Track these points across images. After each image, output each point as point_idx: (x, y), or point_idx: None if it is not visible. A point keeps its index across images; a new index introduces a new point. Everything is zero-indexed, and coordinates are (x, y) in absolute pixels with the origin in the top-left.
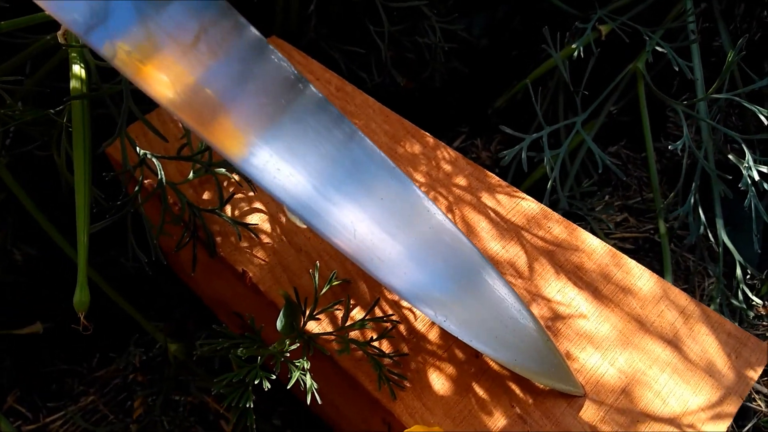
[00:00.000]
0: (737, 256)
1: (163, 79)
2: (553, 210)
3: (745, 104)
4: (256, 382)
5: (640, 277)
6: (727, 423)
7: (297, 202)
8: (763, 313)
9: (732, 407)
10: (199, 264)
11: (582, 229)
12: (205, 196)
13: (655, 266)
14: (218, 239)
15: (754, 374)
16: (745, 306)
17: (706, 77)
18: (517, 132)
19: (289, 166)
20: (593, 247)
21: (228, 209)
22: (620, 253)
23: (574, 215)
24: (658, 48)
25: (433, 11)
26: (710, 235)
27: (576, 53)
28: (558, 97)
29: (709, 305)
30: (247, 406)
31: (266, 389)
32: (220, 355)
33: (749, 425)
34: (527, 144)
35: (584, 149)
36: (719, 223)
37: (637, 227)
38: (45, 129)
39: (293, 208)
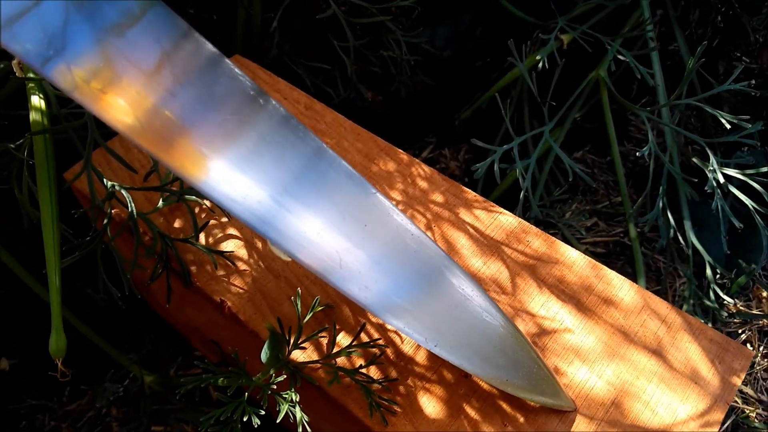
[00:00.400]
0: (707, 257)
1: (124, 107)
2: (526, 219)
3: (708, 109)
4: (244, 419)
5: (621, 288)
6: (715, 429)
7: (257, 217)
8: (734, 311)
9: (719, 414)
10: (173, 294)
11: (561, 242)
12: (177, 224)
13: (627, 269)
14: (193, 268)
15: (738, 380)
16: (717, 306)
17: (665, 80)
18: (485, 141)
19: (249, 180)
20: (573, 259)
21: (201, 237)
22: (599, 264)
23: (545, 223)
24: (618, 55)
25: (399, 26)
26: (679, 236)
27: (541, 64)
28: (523, 106)
29: (681, 306)
30: None
31: (256, 426)
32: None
33: (728, 422)
34: (499, 156)
35: (552, 157)
36: (687, 225)
37: (607, 231)
38: (3, 162)
39: (253, 225)
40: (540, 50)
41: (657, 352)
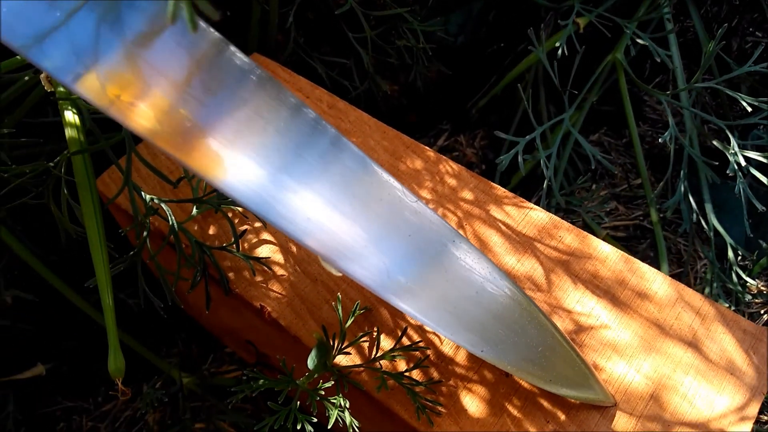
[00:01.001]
0: (728, 240)
1: (152, 117)
2: (548, 207)
3: (728, 92)
4: (298, 427)
5: (654, 281)
6: (751, 423)
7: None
8: (756, 291)
9: (755, 405)
10: (211, 301)
11: (592, 236)
12: (211, 231)
13: (649, 253)
14: (231, 275)
15: None
16: (740, 289)
17: (680, 56)
18: (500, 127)
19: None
20: (606, 254)
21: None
22: (632, 257)
23: (566, 210)
24: (635, 38)
25: (414, 15)
26: (700, 219)
27: (560, 51)
28: (539, 90)
29: (704, 289)
30: None
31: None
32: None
33: None
34: (522, 147)
35: (571, 143)
36: (708, 208)
37: (627, 215)
38: (38, 179)
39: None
40: (557, 35)
41: (692, 344)
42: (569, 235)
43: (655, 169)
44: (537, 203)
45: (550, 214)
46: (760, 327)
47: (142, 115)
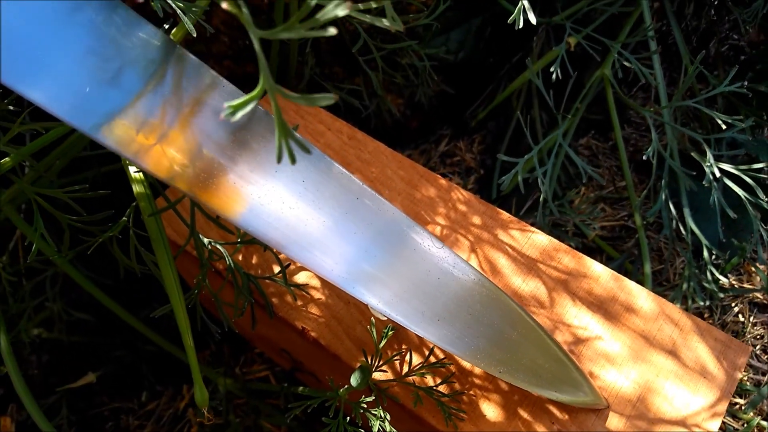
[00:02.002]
0: (704, 241)
1: (176, 161)
2: (543, 215)
3: (705, 110)
4: None
5: (639, 296)
6: (720, 419)
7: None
8: (728, 287)
9: (724, 404)
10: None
11: (587, 257)
12: (254, 260)
13: (634, 251)
14: (275, 300)
15: (739, 374)
16: (714, 288)
17: (663, 64)
18: (496, 134)
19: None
20: (598, 273)
21: (275, 269)
22: (621, 276)
23: (559, 214)
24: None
25: (417, 39)
26: (678, 221)
27: (554, 76)
28: (532, 99)
29: (681, 285)
30: None
31: None
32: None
33: None
34: (521, 167)
35: (563, 153)
36: (686, 212)
37: (613, 215)
38: (103, 225)
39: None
40: (548, 54)
41: (672, 353)
42: (567, 257)
43: (639, 171)
44: (532, 207)
45: (550, 237)
46: (728, 336)
47: (163, 160)
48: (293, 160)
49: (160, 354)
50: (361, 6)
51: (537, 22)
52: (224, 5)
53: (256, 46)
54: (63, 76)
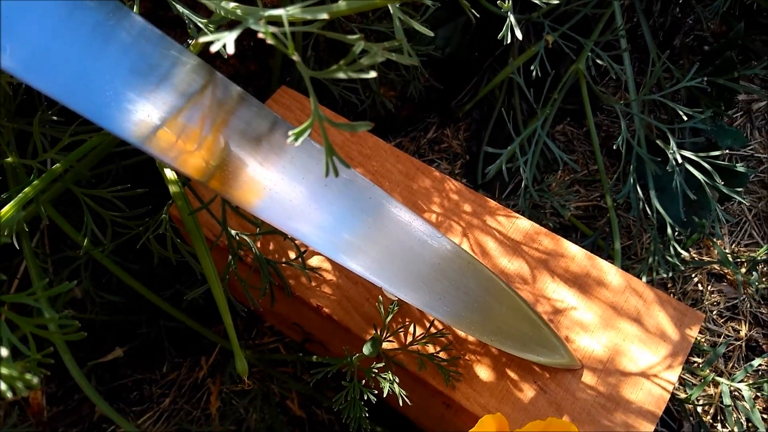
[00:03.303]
0: (668, 219)
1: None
2: (524, 199)
3: (669, 104)
4: (365, 397)
5: (609, 273)
6: (678, 370)
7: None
8: (689, 259)
9: (680, 360)
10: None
11: (564, 239)
12: (271, 246)
13: (605, 228)
14: (292, 282)
15: (692, 337)
16: (676, 261)
17: (633, 58)
18: (480, 122)
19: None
20: (574, 253)
21: (291, 254)
22: (593, 255)
23: (538, 197)
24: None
25: (416, 47)
26: (644, 202)
27: (534, 73)
28: (513, 89)
29: (648, 258)
30: (364, 415)
31: (373, 401)
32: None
33: None
34: (506, 158)
35: (541, 141)
36: (652, 194)
37: (587, 196)
38: (140, 219)
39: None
40: (528, 50)
41: (637, 320)
42: (546, 239)
43: (610, 155)
44: (514, 189)
45: (532, 222)
46: (685, 305)
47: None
48: (336, 174)
49: (179, 329)
50: (386, 44)
51: (516, 19)
52: (270, 41)
53: (307, 82)
54: (110, 94)
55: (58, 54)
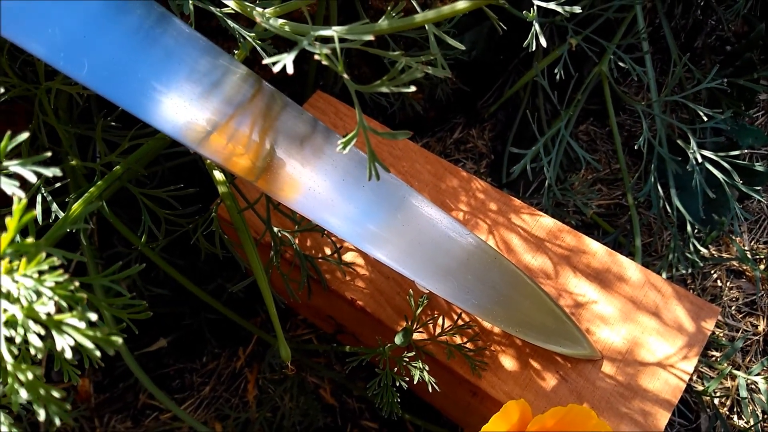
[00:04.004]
0: (688, 217)
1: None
2: (547, 197)
3: (690, 105)
4: (398, 385)
5: (629, 268)
6: (694, 361)
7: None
8: (708, 256)
9: (696, 351)
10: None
11: (586, 236)
12: (308, 243)
13: (627, 226)
14: (327, 276)
15: (708, 330)
16: (696, 258)
17: (655, 58)
18: (505, 123)
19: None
20: (595, 250)
21: (327, 250)
22: (614, 251)
23: (562, 195)
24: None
25: (444, 51)
26: (665, 200)
27: (558, 76)
28: (537, 90)
29: (668, 255)
30: (396, 400)
31: (405, 388)
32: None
33: None
34: (530, 158)
35: (565, 140)
36: (672, 192)
37: (609, 194)
38: (190, 217)
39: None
40: (553, 52)
41: (655, 314)
42: (569, 236)
43: (632, 154)
44: (538, 188)
45: (555, 220)
46: (701, 300)
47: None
48: (378, 178)
49: (219, 321)
50: (423, 58)
51: (540, 23)
52: (325, 62)
53: (353, 95)
54: (172, 102)
55: (125, 66)
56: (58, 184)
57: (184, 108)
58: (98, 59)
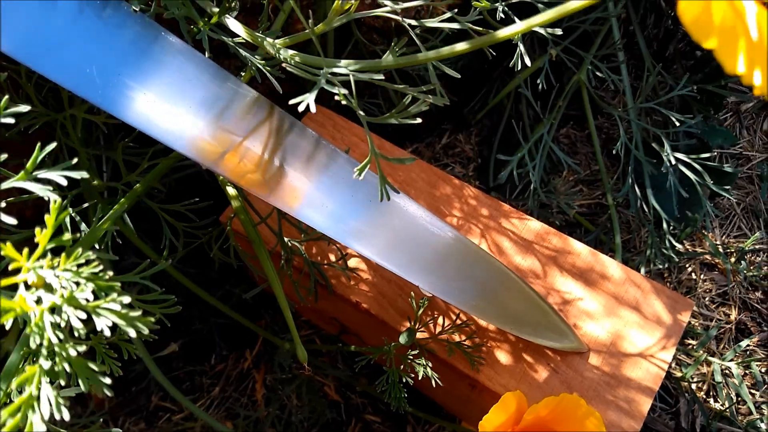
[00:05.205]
0: (663, 216)
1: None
2: (533, 199)
3: (663, 111)
4: (404, 381)
5: (611, 267)
6: (672, 351)
7: None
8: (683, 251)
9: (674, 342)
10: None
11: (571, 238)
12: (314, 250)
13: (607, 224)
14: (333, 281)
15: (684, 322)
16: (671, 253)
17: (630, 64)
18: (490, 129)
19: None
20: (579, 250)
21: (332, 257)
22: (596, 251)
23: (546, 197)
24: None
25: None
26: (642, 200)
27: (540, 86)
28: (520, 97)
29: (646, 251)
30: (403, 396)
31: (411, 384)
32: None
33: None
34: (515, 164)
35: (547, 145)
36: (649, 192)
37: (590, 194)
38: (204, 231)
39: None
40: (535, 62)
41: (636, 308)
42: (555, 238)
43: (610, 156)
44: (523, 190)
45: (542, 224)
46: (677, 294)
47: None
48: (389, 198)
49: (226, 325)
50: (424, 88)
51: (522, 33)
52: (344, 102)
53: (365, 126)
54: (189, 125)
55: (157, 106)
56: (82, 206)
57: (202, 131)
58: (126, 88)
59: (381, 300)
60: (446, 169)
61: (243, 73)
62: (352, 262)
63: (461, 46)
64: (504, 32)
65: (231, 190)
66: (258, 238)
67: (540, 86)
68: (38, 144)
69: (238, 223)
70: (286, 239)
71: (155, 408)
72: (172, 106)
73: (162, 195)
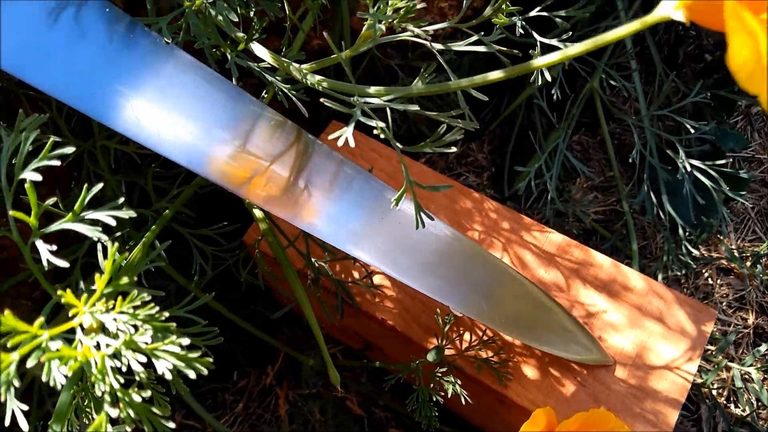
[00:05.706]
0: (679, 221)
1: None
2: (548, 208)
3: (677, 118)
4: (434, 399)
5: (632, 278)
6: (697, 362)
7: None
8: (699, 256)
9: (698, 353)
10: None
11: (592, 250)
12: (338, 268)
13: (623, 231)
14: (358, 299)
15: (708, 332)
16: (688, 259)
17: (641, 69)
18: (502, 138)
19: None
20: (601, 262)
21: (356, 274)
22: (618, 263)
23: (562, 205)
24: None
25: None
26: (657, 206)
27: (555, 96)
28: (532, 105)
29: (662, 257)
30: (434, 414)
31: (441, 402)
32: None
33: None
34: (532, 174)
35: (562, 153)
36: (665, 198)
37: (605, 201)
38: (230, 254)
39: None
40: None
41: (659, 319)
42: (577, 250)
43: (624, 162)
44: (538, 198)
45: (563, 236)
46: (700, 303)
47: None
48: (424, 226)
49: (249, 342)
50: (454, 113)
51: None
52: (382, 135)
53: (399, 154)
54: (214, 154)
55: (176, 130)
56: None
57: (225, 155)
58: (155, 116)
59: (405, 316)
60: (460, 179)
61: (265, 95)
62: (377, 279)
63: (495, 75)
64: (539, 61)
65: (258, 213)
66: (287, 261)
67: (555, 96)
68: (85, 185)
69: (264, 244)
70: (313, 260)
71: (179, 426)
72: (199, 130)
73: (190, 219)
